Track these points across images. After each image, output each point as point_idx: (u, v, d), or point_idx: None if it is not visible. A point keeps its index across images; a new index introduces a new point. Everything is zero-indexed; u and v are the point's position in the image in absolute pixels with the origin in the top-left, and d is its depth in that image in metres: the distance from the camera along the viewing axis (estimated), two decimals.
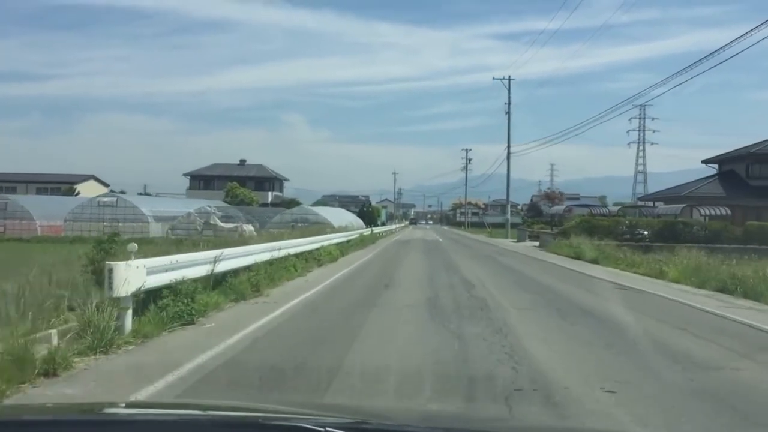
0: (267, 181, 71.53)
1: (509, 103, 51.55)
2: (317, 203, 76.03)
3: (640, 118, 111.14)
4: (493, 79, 52.52)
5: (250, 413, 2.21)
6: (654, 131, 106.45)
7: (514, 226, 50.55)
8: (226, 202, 59.57)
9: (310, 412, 2.25)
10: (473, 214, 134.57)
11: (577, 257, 24.50)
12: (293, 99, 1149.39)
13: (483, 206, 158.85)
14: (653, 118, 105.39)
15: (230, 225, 38.02)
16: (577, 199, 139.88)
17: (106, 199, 40.96)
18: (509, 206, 51.86)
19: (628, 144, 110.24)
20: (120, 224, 40.08)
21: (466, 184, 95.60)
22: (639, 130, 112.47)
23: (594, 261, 22.64)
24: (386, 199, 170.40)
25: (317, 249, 20.91)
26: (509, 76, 52.17)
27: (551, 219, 50.94)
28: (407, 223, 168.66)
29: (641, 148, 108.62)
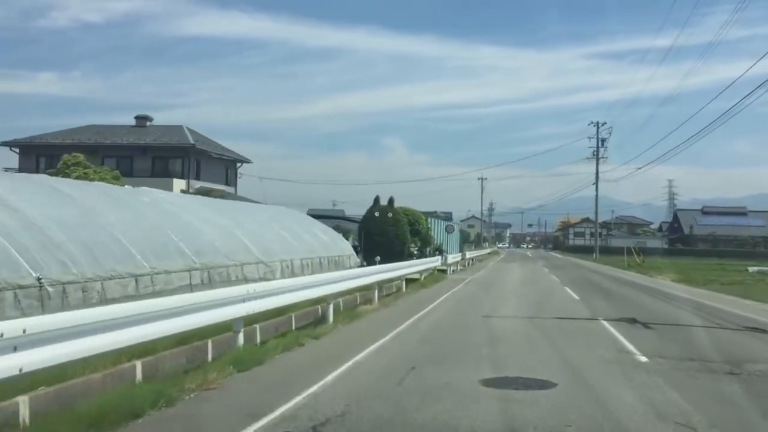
0: (180, 156, 33.11)
1: None
2: None
3: None
4: None
5: None
6: None
7: None
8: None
9: None
10: (590, 234, 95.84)
11: None
12: (393, 123, 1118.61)
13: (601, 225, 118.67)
14: None
15: None
16: (745, 215, 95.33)
17: None
18: None
19: None
20: None
21: (596, 178, 53.97)
22: None
23: None
24: (473, 216, 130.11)
25: None
26: None
27: None
28: (498, 246, 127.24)
29: None
